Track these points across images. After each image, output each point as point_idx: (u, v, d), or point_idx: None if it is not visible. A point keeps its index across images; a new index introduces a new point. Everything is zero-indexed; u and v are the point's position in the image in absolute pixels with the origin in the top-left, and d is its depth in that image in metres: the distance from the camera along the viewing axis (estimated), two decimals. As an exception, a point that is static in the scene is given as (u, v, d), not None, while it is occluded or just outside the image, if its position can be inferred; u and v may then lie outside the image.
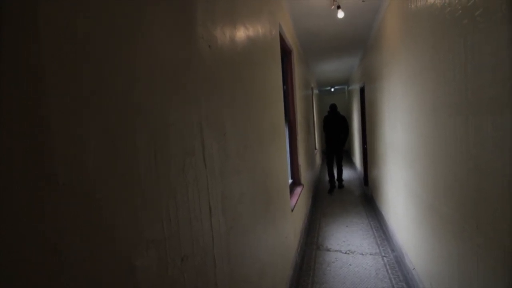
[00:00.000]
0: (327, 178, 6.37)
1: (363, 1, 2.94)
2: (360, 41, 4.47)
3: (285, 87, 3.36)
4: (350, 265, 2.80)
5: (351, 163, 8.99)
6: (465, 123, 1.31)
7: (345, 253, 3.07)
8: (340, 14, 2.91)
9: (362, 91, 5.61)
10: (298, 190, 3.33)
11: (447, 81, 1.50)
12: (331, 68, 6.69)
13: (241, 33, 1.35)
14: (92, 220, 0.46)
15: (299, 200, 3.16)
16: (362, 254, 3.02)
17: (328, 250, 3.18)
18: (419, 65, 1.98)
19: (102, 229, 0.48)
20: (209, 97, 0.94)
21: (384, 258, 2.90)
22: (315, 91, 8.33)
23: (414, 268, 2.30)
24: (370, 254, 2.99)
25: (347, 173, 7.35)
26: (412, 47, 2.13)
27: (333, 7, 2.86)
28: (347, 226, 3.85)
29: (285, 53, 3.35)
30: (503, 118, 1.02)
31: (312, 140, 6.09)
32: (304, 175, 3.92)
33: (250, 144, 1.39)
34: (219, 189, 0.98)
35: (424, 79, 1.88)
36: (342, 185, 5.98)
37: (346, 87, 10.39)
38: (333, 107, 5.72)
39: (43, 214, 0.39)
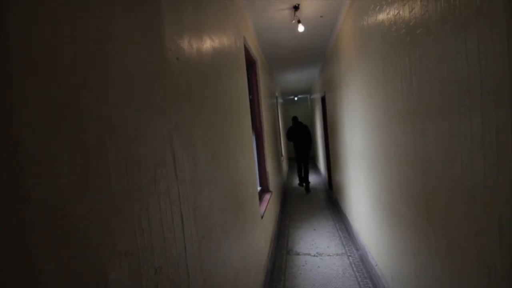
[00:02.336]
0: (296, 182, 7.09)
1: (321, 17, 3.14)
2: (320, 53, 4.75)
3: (251, 96, 3.44)
4: (319, 267, 2.90)
5: (316, 168, 9.33)
6: (413, 129, 1.47)
7: (314, 255, 3.17)
8: (301, 28, 3.08)
9: (323, 100, 5.92)
10: (267, 197, 3.39)
11: (396, 91, 1.67)
12: (294, 78, 6.97)
13: (208, 45, 1.38)
14: (65, 234, 0.46)
15: (269, 207, 3.22)
16: (330, 255, 3.14)
17: (298, 254, 3.26)
18: (372, 76, 2.17)
19: (75, 243, 0.48)
20: (178, 108, 0.95)
21: (350, 257, 3.05)
22: (280, 100, 8.58)
23: (376, 265, 2.45)
24: (337, 255, 3.13)
25: (313, 178, 7.62)
26: (366, 59, 2.33)
27: (294, 21, 3.03)
28: (314, 229, 3.98)
29: (250, 64, 3.44)
30: (442, 125, 1.17)
31: (279, 147, 6.28)
32: (273, 182, 4.00)
33: (219, 154, 1.42)
34: (191, 199, 0.98)
35: (377, 89, 2.07)
36: (309, 190, 6.34)
37: (308, 96, 10.85)
38: (295, 118, 6.47)
39: (14, 228, 0.38)
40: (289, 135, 6.41)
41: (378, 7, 1.87)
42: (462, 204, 1.07)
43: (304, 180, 6.50)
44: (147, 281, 0.67)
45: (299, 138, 6.30)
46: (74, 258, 0.47)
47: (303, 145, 6.33)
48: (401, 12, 1.49)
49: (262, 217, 2.71)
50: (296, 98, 11.26)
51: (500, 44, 0.81)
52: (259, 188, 3.34)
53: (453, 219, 1.14)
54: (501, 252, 0.87)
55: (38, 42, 0.45)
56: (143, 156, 0.71)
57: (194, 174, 1.04)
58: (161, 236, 0.76)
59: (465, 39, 0.96)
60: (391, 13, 1.63)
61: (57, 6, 0.49)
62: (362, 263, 2.86)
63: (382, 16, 1.81)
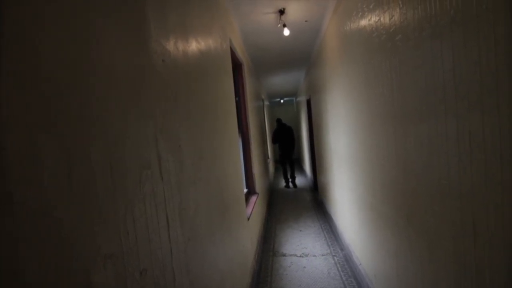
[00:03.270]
0: (282, 184, 7.23)
1: (306, 21, 3.20)
2: (305, 57, 4.82)
3: (237, 98, 3.45)
4: (304, 267, 2.94)
5: (301, 170, 9.43)
6: (393, 131, 1.53)
7: (300, 256, 3.20)
8: (286, 32, 3.13)
9: (308, 102, 6.01)
10: (254, 198, 3.40)
11: (378, 94, 1.73)
12: (280, 81, 7.03)
13: (194, 47, 1.38)
14: (48, 237, 0.45)
15: (255, 209, 3.23)
16: (315, 255, 3.18)
17: (284, 255, 3.28)
18: (355, 80, 2.23)
19: (59, 246, 0.47)
20: (164, 110, 0.95)
21: (335, 257, 3.10)
22: (266, 103, 8.63)
23: (360, 264, 2.51)
24: (322, 255, 3.18)
25: (299, 180, 7.71)
26: (349, 63, 2.39)
27: (279, 25, 3.07)
28: (300, 230, 4.02)
29: (237, 66, 3.46)
30: (421, 128, 1.22)
31: (265, 149, 6.31)
32: (259, 183, 4.02)
33: (205, 155, 1.42)
34: (176, 201, 0.98)
35: (360, 92, 2.13)
36: (295, 185, 6.91)
37: (294, 99, 10.97)
38: (279, 120, 6.76)
39: (-4, 233, 0.37)
40: (275, 138, 6.66)
41: (360, 13, 1.93)
42: (439, 205, 1.12)
43: (291, 178, 6.86)
44: (132, 284, 0.67)
45: (284, 139, 6.57)
46: (57, 261, 0.46)
47: (288, 146, 6.56)
48: (381, 19, 1.55)
49: (248, 219, 2.71)
50: (282, 101, 11.35)
51: (472, 52, 0.86)
52: (245, 190, 3.34)
53: (432, 219, 1.19)
54: (475, 251, 0.92)
55: (21, 40, 0.44)
56: (128, 158, 0.71)
57: (180, 176, 1.04)
58: (147, 238, 0.76)
59: (441, 46, 1.01)
60: (373, 19, 1.69)
61: (44, 5, 0.49)
62: (347, 263, 2.91)
63: (364, 22, 1.87)
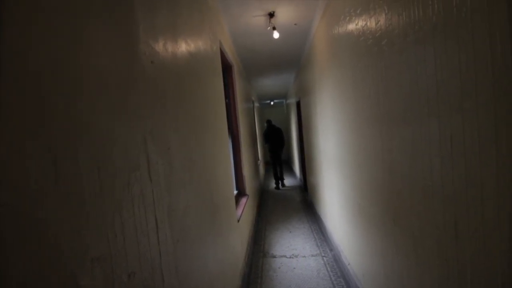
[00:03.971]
0: (272, 185, 7.37)
1: (295, 24, 3.24)
2: (295, 59, 4.87)
3: (227, 100, 3.45)
4: (294, 268, 2.96)
5: (291, 171, 9.48)
6: (380, 133, 1.57)
7: (290, 257, 3.22)
8: (276, 35, 3.16)
9: (298, 104, 6.06)
10: (244, 200, 3.40)
11: (365, 97, 1.77)
12: (270, 83, 7.07)
13: (183, 49, 1.38)
14: (34, 239, 0.45)
15: (245, 210, 3.23)
16: (305, 256, 3.21)
17: (274, 256, 3.29)
18: (344, 83, 2.27)
19: (45, 248, 0.47)
20: (153, 112, 0.95)
21: (324, 258, 3.13)
22: (257, 104, 8.65)
23: (349, 264, 2.55)
24: (312, 256, 3.20)
25: (288, 181, 7.75)
26: (338, 66, 2.44)
27: (269, 28, 3.09)
28: (290, 231, 4.05)
29: (227, 68, 3.46)
30: (406, 130, 1.26)
31: (255, 151, 6.33)
32: (249, 185, 4.02)
33: (195, 157, 1.42)
34: (166, 203, 0.98)
35: (348, 95, 2.17)
36: (283, 184, 7.25)
37: (284, 101, 11.04)
38: (269, 121, 7.07)
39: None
40: (265, 139, 6.99)
41: (348, 17, 1.97)
42: (423, 206, 1.16)
43: (279, 179, 7.13)
44: (120, 287, 0.67)
45: (273, 140, 6.88)
46: (43, 263, 0.46)
47: (277, 147, 6.92)
48: (368, 24, 1.59)
49: (238, 220, 2.71)
50: (272, 103, 11.41)
51: (452, 58, 0.90)
52: (235, 192, 3.34)
53: (416, 220, 1.23)
54: (457, 251, 0.95)
55: (7, 42, 0.44)
56: (116, 160, 0.70)
57: (169, 178, 1.04)
58: (135, 241, 0.75)
59: (424, 52, 1.05)
60: (360, 24, 1.73)
61: (30, 6, 0.48)
62: (336, 263, 2.95)
63: (351, 26, 1.91)
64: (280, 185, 7.15)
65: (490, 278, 0.81)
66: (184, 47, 1.40)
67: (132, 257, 0.73)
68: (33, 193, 0.46)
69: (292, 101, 7.49)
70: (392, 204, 1.50)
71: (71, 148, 0.55)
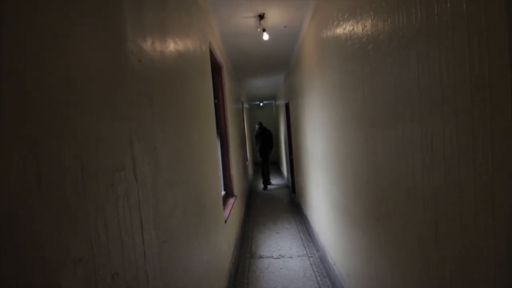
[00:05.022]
0: (261, 186, 7.50)
1: (284, 27, 3.27)
2: (285, 61, 4.91)
3: (216, 100, 3.44)
4: (281, 269, 2.97)
5: (280, 172, 9.53)
6: (365, 135, 1.60)
7: (277, 258, 3.24)
8: (265, 37, 3.17)
9: (287, 106, 6.11)
10: (231, 201, 3.39)
11: (352, 101, 1.80)
12: (259, 84, 7.10)
13: (172, 48, 1.37)
14: (14, 239, 0.44)
15: (233, 211, 3.22)
16: (291, 257, 3.23)
17: (261, 257, 3.30)
18: (331, 85, 2.31)
19: (26, 249, 0.46)
20: (140, 111, 0.94)
21: (310, 258, 3.16)
22: (246, 105, 8.66)
23: (334, 264, 2.58)
24: (298, 256, 3.23)
25: (276, 182, 7.80)
26: (326, 69, 2.48)
27: (259, 29, 3.11)
28: (277, 232, 4.06)
29: (216, 68, 3.45)
30: (390, 132, 1.29)
31: (244, 152, 6.33)
32: (237, 186, 4.02)
33: (182, 157, 1.41)
34: (151, 203, 0.97)
35: (335, 97, 2.21)
36: (269, 183, 7.50)
37: (273, 102, 11.09)
38: (260, 123, 7.37)
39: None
40: (257, 140, 7.25)
41: (336, 22, 2.00)
42: (406, 205, 1.19)
43: (267, 177, 7.37)
44: (103, 288, 0.66)
45: (263, 142, 7.14)
46: (24, 263, 0.45)
47: (266, 148, 7.19)
48: (355, 29, 1.63)
49: (226, 221, 2.71)
50: (261, 104, 11.44)
51: (434, 63, 0.93)
52: (223, 192, 3.33)
53: (399, 219, 1.26)
54: (437, 249, 0.99)
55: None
56: (101, 160, 0.69)
57: (156, 178, 1.03)
58: (119, 241, 0.74)
59: (407, 57, 1.08)
60: (347, 28, 1.77)
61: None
62: (322, 263, 2.98)
63: (339, 31, 1.95)
64: (267, 184, 7.35)
65: (469, 278, 0.85)
66: (172, 46, 1.39)
67: (116, 258, 0.72)
68: (14, 192, 0.45)
69: (281, 102, 7.54)
70: (376, 203, 1.53)
71: (54, 146, 0.54)
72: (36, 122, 0.50)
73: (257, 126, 7.37)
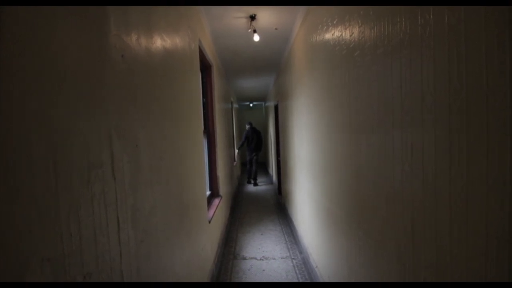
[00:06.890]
0: (248, 189, 7.49)
1: (275, 29, 3.28)
2: (275, 63, 4.93)
3: (204, 99, 3.41)
4: (263, 270, 2.97)
5: (267, 174, 9.54)
6: (349, 140, 1.62)
7: (260, 259, 3.24)
8: (256, 38, 3.18)
9: (276, 108, 6.13)
10: (216, 201, 3.37)
11: (338, 105, 1.83)
12: (250, 85, 7.09)
13: (158, 44, 1.35)
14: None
15: (217, 212, 3.20)
16: (275, 259, 3.24)
17: (244, 258, 3.29)
18: (319, 89, 2.33)
19: (-14, 248, 0.43)
20: (121, 107, 0.92)
21: (293, 260, 3.18)
22: (235, 106, 8.64)
23: (316, 266, 2.60)
24: (282, 258, 3.24)
25: (263, 184, 7.80)
26: (314, 73, 2.50)
27: (250, 30, 3.11)
28: (262, 234, 4.06)
29: (206, 67, 3.43)
30: (372, 138, 1.31)
31: (232, 152, 6.30)
32: (223, 186, 4.00)
33: (165, 156, 1.38)
34: (129, 202, 0.95)
35: (323, 101, 2.23)
36: (256, 184, 7.71)
37: (263, 103, 11.11)
38: (250, 124, 7.57)
39: None
40: (247, 139, 7.41)
41: (325, 27, 2.03)
42: (385, 209, 1.21)
43: (253, 177, 7.68)
44: (73, 289, 0.63)
45: (253, 141, 7.33)
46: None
47: (255, 148, 7.39)
48: (343, 35, 1.65)
49: (210, 221, 2.68)
50: (251, 105, 11.43)
51: (415, 72, 0.95)
52: (208, 192, 3.31)
53: (378, 222, 1.28)
54: (414, 251, 1.01)
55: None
56: (76, 156, 0.67)
57: (135, 176, 1.01)
58: (93, 241, 0.72)
59: (391, 65, 1.11)
60: (336, 34, 1.79)
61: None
62: (304, 265, 3.00)
63: (328, 36, 1.97)
64: (252, 181, 7.74)
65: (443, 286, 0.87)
66: (159, 42, 1.37)
67: (89, 257, 0.70)
68: (-25, 188, 0.42)
69: (271, 104, 7.56)
70: (357, 207, 1.55)
71: (24, 141, 0.52)
72: (3, 115, 0.48)
73: (247, 126, 7.50)
